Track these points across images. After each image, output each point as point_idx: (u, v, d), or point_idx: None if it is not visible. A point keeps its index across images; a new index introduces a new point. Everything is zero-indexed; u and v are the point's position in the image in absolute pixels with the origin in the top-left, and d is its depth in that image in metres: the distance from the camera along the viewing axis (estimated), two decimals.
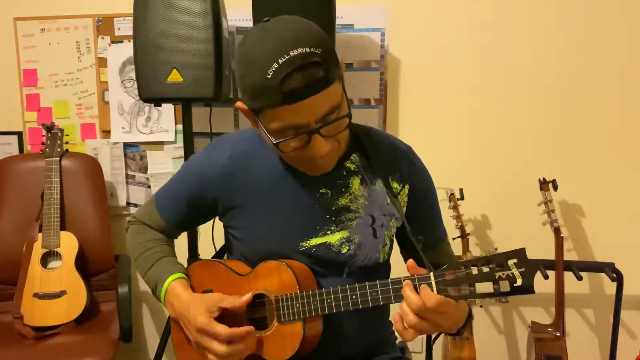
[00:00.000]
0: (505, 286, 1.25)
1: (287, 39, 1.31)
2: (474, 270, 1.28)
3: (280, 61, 1.29)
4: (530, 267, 1.25)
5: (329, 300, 1.50)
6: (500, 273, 1.25)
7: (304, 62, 1.29)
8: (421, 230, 1.67)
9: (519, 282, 1.24)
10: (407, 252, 1.73)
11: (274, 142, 1.40)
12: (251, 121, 1.51)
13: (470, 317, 1.51)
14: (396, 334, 1.90)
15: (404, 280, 1.38)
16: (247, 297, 1.57)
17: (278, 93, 1.30)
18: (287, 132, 1.38)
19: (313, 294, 1.52)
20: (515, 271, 1.24)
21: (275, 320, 1.57)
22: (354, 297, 1.47)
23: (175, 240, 1.89)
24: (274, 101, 1.32)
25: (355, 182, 1.62)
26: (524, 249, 1.25)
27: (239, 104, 1.48)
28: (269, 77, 1.30)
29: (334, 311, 1.50)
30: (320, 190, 1.61)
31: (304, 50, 1.30)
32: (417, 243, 1.58)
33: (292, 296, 1.54)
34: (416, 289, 1.35)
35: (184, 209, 1.76)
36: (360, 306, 1.46)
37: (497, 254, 1.27)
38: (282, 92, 1.30)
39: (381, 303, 1.43)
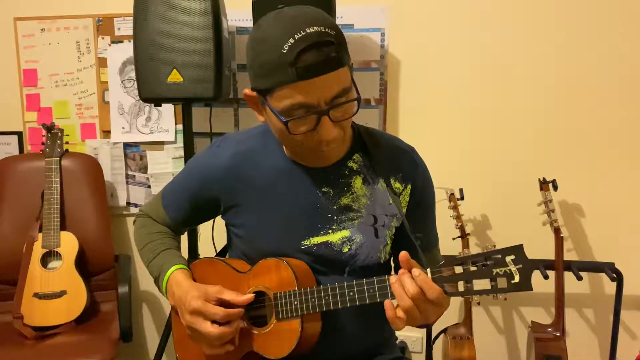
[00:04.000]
0: (502, 283, 1.25)
1: (303, 19, 1.35)
2: (471, 267, 1.28)
3: (296, 36, 1.32)
4: (528, 263, 1.24)
5: (326, 297, 1.50)
6: (498, 270, 1.25)
7: (319, 39, 1.33)
8: (415, 231, 1.66)
9: (517, 278, 1.24)
10: (399, 253, 1.73)
11: (284, 120, 1.40)
12: (258, 108, 1.53)
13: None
14: (397, 334, 1.90)
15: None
16: (249, 296, 1.57)
17: (292, 68, 1.32)
18: (297, 112, 1.39)
19: (311, 291, 1.52)
20: (512, 268, 1.24)
21: (273, 318, 1.58)
22: (351, 293, 1.47)
23: None
24: (287, 77, 1.34)
25: (358, 182, 1.63)
26: (521, 245, 1.25)
27: (246, 91, 1.51)
28: (285, 51, 1.32)
29: (332, 308, 1.50)
30: (323, 189, 1.61)
31: (319, 29, 1.34)
32: (416, 240, 1.58)
33: (290, 293, 1.55)
34: None
35: (187, 206, 1.78)
36: (358, 303, 1.46)
37: (494, 250, 1.27)
38: (297, 67, 1.32)
39: (378, 300, 1.43)
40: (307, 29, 1.32)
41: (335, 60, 1.35)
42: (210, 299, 1.56)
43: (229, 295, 1.56)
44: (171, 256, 1.75)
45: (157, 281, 1.74)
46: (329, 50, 1.34)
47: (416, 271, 1.34)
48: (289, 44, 1.32)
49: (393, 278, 1.39)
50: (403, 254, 1.38)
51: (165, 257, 1.74)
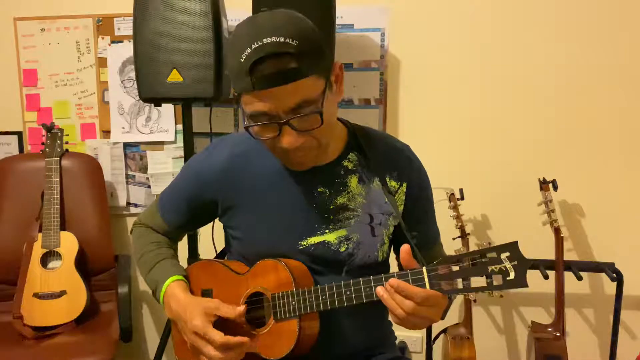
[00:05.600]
0: (498, 280, 1.25)
1: (266, 27, 1.34)
2: (467, 264, 1.28)
3: (253, 46, 1.32)
4: (523, 260, 1.25)
5: (323, 297, 1.50)
6: (493, 267, 1.25)
7: (275, 51, 1.32)
8: (415, 229, 1.67)
9: (512, 275, 1.24)
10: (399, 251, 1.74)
11: (246, 125, 1.43)
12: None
13: (449, 305, 1.52)
14: (395, 334, 1.90)
15: (397, 275, 1.39)
16: (241, 308, 1.56)
17: (248, 78, 1.33)
18: (259, 119, 1.40)
19: (308, 291, 1.52)
20: (508, 265, 1.24)
21: (271, 318, 1.58)
22: (348, 292, 1.47)
23: None
24: (245, 85, 1.36)
25: (353, 181, 1.62)
26: (516, 242, 1.25)
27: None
28: (242, 61, 1.33)
29: (329, 307, 1.50)
30: (319, 189, 1.61)
31: (277, 40, 1.32)
32: (412, 239, 1.58)
33: (287, 293, 1.55)
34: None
35: (184, 209, 1.77)
36: (355, 302, 1.46)
37: (489, 248, 1.27)
38: (252, 77, 1.33)
39: (375, 299, 1.43)
40: (264, 39, 1.32)
41: (294, 72, 1.33)
42: (210, 316, 1.55)
43: (224, 312, 1.55)
44: (167, 267, 1.74)
45: (154, 293, 1.74)
46: (287, 61, 1.32)
47: (394, 282, 1.36)
48: (246, 54, 1.33)
49: (381, 291, 1.39)
50: (405, 247, 1.39)
51: (161, 270, 1.74)
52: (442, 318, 1.52)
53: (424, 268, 1.35)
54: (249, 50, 1.32)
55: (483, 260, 1.26)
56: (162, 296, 1.68)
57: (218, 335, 1.52)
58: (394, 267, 1.77)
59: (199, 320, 1.54)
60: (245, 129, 1.42)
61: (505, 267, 1.24)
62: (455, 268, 1.30)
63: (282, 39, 1.32)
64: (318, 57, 1.39)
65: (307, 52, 1.35)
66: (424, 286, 1.35)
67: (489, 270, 1.25)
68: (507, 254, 1.25)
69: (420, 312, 1.34)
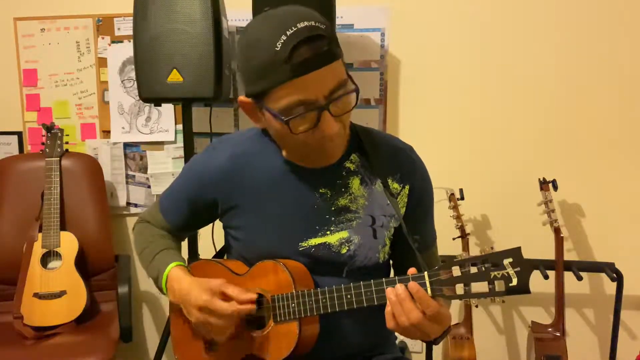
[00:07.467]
0: (500, 286, 1.25)
1: (292, 16, 1.35)
2: (469, 270, 1.27)
3: (288, 33, 1.32)
4: (526, 266, 1.24)
5: (324, 300, 1.50)
6: (496, 273, 1.25)
7: (310, 34, 1.32)
8: (414, 231, 1.66)
9: (514, 282, 1.24)
10: (398, 254, 1.74)
11: (284, 119, 1.39)
12: (254, 115, 1.52)
13: (448, 329, 1.50)
14: (396, 333, 1.89)
15: (398, 280, 1.39)
16: (251, 295, 1.55)
17: (287, 65, 1.32)
18: (297, 110, 1.38)
19: (308, 294, 1.52)
20: (510, 271, 1.24)
21: (271, 320, 1.57)
22: (348, 296, 1.46)
23: None
24: (282, 75, 1.33)
25: (355, 182, 1.62)
26: (519, 248, 1.25)
27: (241, 98, 1.50)
28: (278, 49, 1.31)
29: (329, 311, 1.50)
30: (320, 190, 1.61)
31: (309, 24, 1.33)
32: (413, 243, 1.57)
33: (287, 296, 1.54)
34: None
35: (185, 210, 1.77)
36: (355, 306, 1.46)
37: (492, 253, 1.26)
38: (291, 64, 1.32)
39: (376, 303, 1.43)
40: (297, 25, 1.32)
41: (329, 54, 1.35)
42: (215, 292, 1.55)
43: (232, 291, 1.55)
44: (168, 256, 1.73)
45: (156, 282, 1.73)
46: (322, 44, 1.33)
47: (415, 287, 1.35)
48: (282, 41, 1.31)
49: (391, 293, 1.39)
50: (411, 271, 1.39)
51: (163, 257, 1.73)
52: (436, 343, 1.52)
53: (426, 273, 1.35)
54: (284, 37, 1.31)
55: (485, 265, 1.26)
56: (165, 283, 1.68)
57: (226, 305, 1.52)
58: None
59: (205, 295, 1.54)
60: (286, 123, 1.39)
61: (507, 273, 1.24)
62: (457, 273, 1.29)
63: (313, 23, 1.34)
64: (337, 41, 1.41)
65: (333, 35, 1.38)
66: (425, 291, 1.35)
67: (492, 276, 1.25)
68: (510, 259, 1.24)
69: (424, 325, 1.35)
